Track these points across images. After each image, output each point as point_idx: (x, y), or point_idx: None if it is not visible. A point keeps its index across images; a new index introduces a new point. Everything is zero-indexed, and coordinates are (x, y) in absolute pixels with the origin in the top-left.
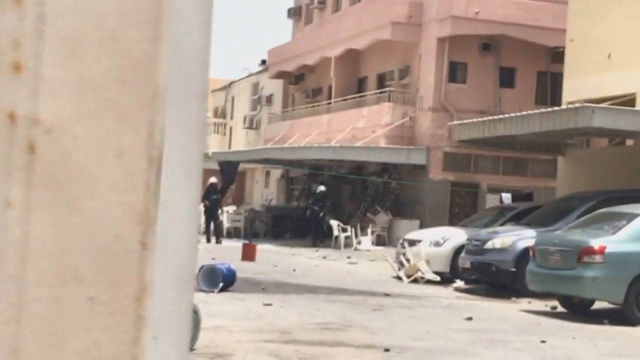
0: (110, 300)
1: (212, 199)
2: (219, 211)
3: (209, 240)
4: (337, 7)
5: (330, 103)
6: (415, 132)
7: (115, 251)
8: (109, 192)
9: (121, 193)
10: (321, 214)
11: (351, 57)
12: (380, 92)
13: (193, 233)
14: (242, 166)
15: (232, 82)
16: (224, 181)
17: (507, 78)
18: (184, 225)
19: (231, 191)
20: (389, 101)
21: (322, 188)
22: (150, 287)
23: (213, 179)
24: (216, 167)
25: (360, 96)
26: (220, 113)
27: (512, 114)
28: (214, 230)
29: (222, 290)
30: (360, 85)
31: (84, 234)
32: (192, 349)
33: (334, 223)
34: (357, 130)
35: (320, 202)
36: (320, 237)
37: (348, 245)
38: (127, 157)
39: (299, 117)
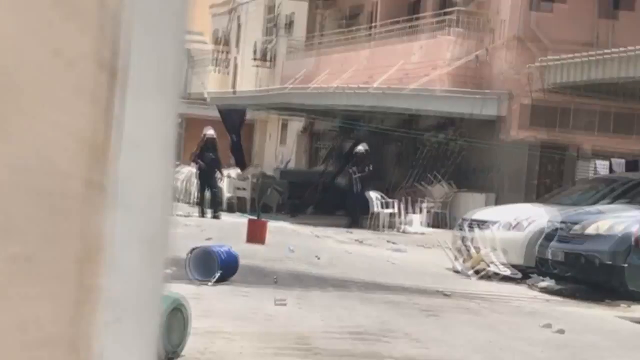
0: (44, 263)
1: (209, 159)
2: (218, 175)
3: (203, 214)
4: None
5: (372, 31)
6: (489, 73)
7: (50, 192)
8: (42, 109)
9: (59, 110)
10: (360, 184)
11: None
12: (442, 17)
13: (168, 183)
14: (249, 115)
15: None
16: (229, 132)
17: None
18: (156, 170)
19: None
20: (453, 28)
21: (362, 147)
22: (104, 248)
23: (210, 131)
24: (215, 114)
25: (413, 22)
26: (222, 41)
27: (632, 48)
28: (210, 201)
29: (220, 281)
30: (414, 7)
31: (8, 166)
32: (178, 356)
33: (373, 195)
34: (408, 69)
35: (359, 167)
36: (356, 214)
37: (392, 225)
38: (67, 58)
39: (329, 50)
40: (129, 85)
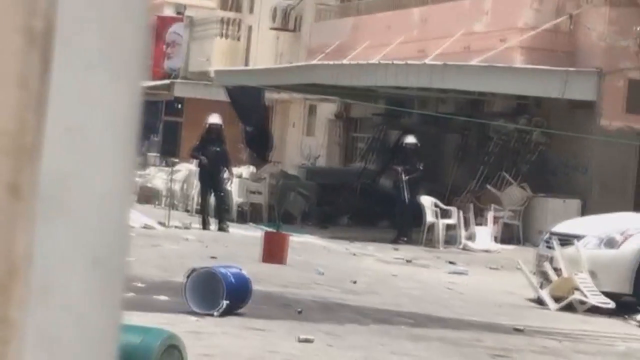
0: None
1: (213, 153)
2: (225, 175)
3: (206, 225)
4: None
5: None
6: (577, 42)
7: None
8: None
9: None
10: (409, 187)
11: None
12: None
13: (125, 184)
14: (266, 96)
15: None
16: (242, 120)
17: None
18: (110, 168)
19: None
20: None
21: (411, 139)
22: (28, 269)
23: (214, 118)
24: (222, 97)
25: None
26: (232, 2)
27: None
28: (215, 208)
29: (227, 312)
30: None
31: None
32: None
33: (426, 201)
34: (472, 37)
35: (408, 165)
36: (405, 226)
37: (451, 240)
38: None
39: (370, 12)
40: (69, 59)
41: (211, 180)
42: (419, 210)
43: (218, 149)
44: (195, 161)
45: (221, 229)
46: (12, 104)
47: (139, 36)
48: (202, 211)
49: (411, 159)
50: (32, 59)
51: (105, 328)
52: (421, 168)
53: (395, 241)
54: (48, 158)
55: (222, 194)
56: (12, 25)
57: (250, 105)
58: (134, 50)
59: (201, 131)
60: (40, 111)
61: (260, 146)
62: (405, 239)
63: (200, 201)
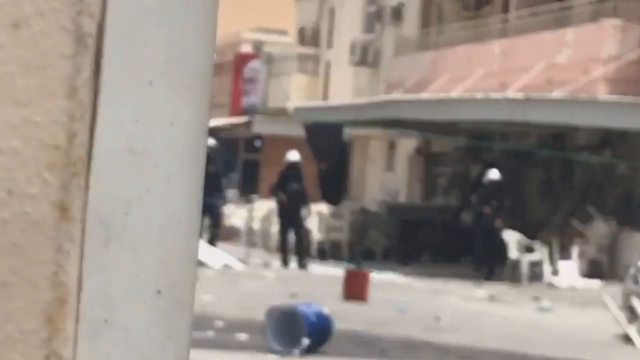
0: None
1: (292, 191)
2: (304, 212)
3: (286, 263)
4: None
5: (506, 20)
6: None
7: (5, 221)
8: None
9: (18, 103)
10: (495, 222)
11: None
12: (600, 0)
13: (192, 211)
14: (345, 132)
15: None
16: (317, 159)
17: None
18: (176, 193)
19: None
20: (614, 16)
21: (494, 175)
22: (79, 299)
23: (293, 155)
24: (300, 133)
25: (561, 8)
26: (310, 37)
27: None
28: (295, 245)
29: (309, 351)
30: None
31: None
32: None
33: (510, 237)
34: (554, 69)
35: (493, 200)
36: (490, 262)
37: (536, 276)
38: (29, 30)
39: (449, 45)
40: (130, 75)
41: (291, 217)
42: (503, 246)
43: (297, 186)
44: (274, 198)
45: (301, 266)
46: (61, 114)
47: (204, 53)
48: (282, 249)
49: (496, 195)
50: (81, 63)
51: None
52: (507, 206)
53: (487, 277)
54: (110, 181)
55: (301, 231)
56: (61, 25)
57: (327, 143)
58: (199, 67)
59: (280, 168)
60: (92, 122)
61: (332, 189)
62: (493, 275)
63: (280, 239)
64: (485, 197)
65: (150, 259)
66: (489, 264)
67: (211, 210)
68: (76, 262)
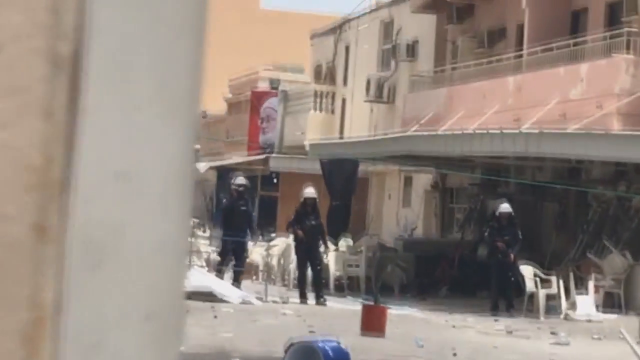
0: None
1: (309, 226)
2: (322, 248)
3: (304, 298)
4: None
5: (520, 55)
6: None
7: None
8: None
9: None
10: (512, 255)
11: None
12: (612, 35)
13: (181, 235)
14: (361, 168)
15: (346, 20)
16: (331, 194)
17: None
18: (165, 217)
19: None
20: (627, 51)
21: (505, 208)
22: (57, 319)
23: (310, 191)
24: (316, 169)
25: (574, 43)
26: (326, 75)
27: None
28: (312, 281)
29: None
30: (575, 24)
31: None
32: None
33: (526, 270)
34: (568, 104)
35: (507, 234)
36: (508, 295)
37: (552, 309)
38: (6, 54)
39: (465, 81)
40: (116, 100)
41: (308, 253)
42: (519, 280)
43: (314, 222)
44: (292, 235)
45: (319, 302)
46: (37, 136)
47: (193, 78)
48: (300, 284)
49: (508, 229)
50: (58, 86)
51: None
52: (520, 237)
53: (494, 309)
54: (98, 206)
55: (319, 267)
56: (34, 48)
57: (341, 179)
58: (188, 93)
59: (297, 204)
60: (69, 144)
61: (337, 223)
62: (512, 308)
63: (298, 274)
64: (498, 230)
65: (141, 284)
66: (507, 297)
67: (239, 249)
68: (55, 283)
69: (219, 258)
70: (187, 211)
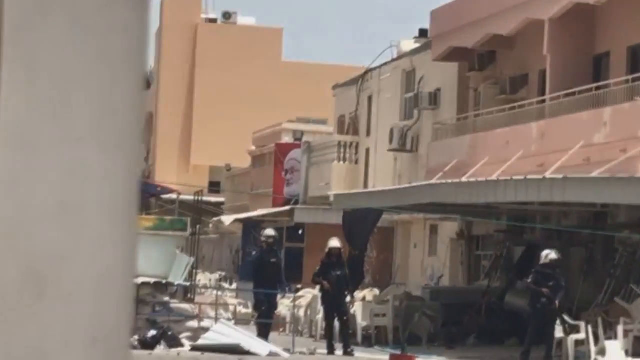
0: None
1: (335, 278)
2: (348, 298)
3: (332, 350)
4: None
5: (543, 102)
6: None
7: None
8: None
9: None
10: (556, 302)
11: (580, 18)
12: (635, 78)
13: (125, 263)
14: (386, 217)
15: (368, 71)
16: (351, 245)
17: None
18: (109, 245)
19: (368, 261)
20: None
21: (552, 255)
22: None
23: (335, 242)
24: (339, 221)
25: (597, 88)
26: (349, 126)
27: None
28: (340, 332)
29: None
30: (597, 68)
31: None
32: None
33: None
34: (592, 148)
35: (551, 281)
36: (548, 344)
37: (581, 356)
38: None
39: (488, 129)
40: (58, 132)
41: (335, 304)
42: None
43: (339, 272)
44: (318, 286)
45: (346, 353)
46: None
47: (133, 112)
48: (328, 336)
49: (552, 276)
50: None
51: None
52: (563, 285)
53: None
54: (41, 235)
55: (345, 317)
56: None
57: (361, 229)
58: (128, 125)
59: (322, 256)
60: None
61: (357, 273)
62: (550, 358)
63: (325, 326)
64: (542, 277)
65: (84, 311)
66: (547, 345)
67: (269, 302)
68: None
69: (253, 311)
70: (132, 240)
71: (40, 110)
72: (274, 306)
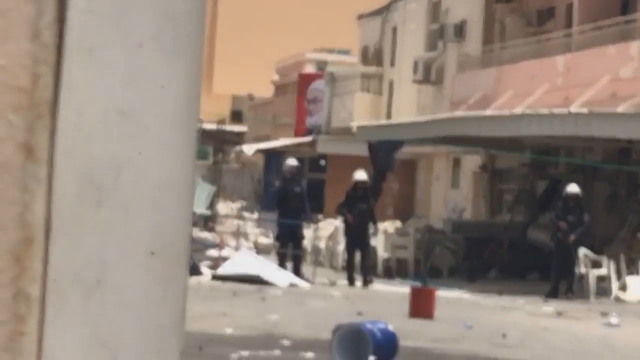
0: None
1: (360, 210)
2: (372, 231)
3: (352, 282)
4: None
5: (569, 35)
6: None
7: None
8: None
9: None
10: (571, 237)
11: None
12: None
13: (184, 174)
14: (409, 150)
15: (393, 1)
16: (375, 172)
17: None
18: (168, 155)
19: (388, 191)
20: None
21: (573, 189)
22: (46, 240)
23: (361, 175)
24: (364, 152)
25: (624, 21)
26: (373, 56)
27: None
28: (360, 264)
29: None
30: (625, 2)
31: None
32: None
33: (577, 252)
34: (619, 83)
35: (572, 216)
36: (568, 279)
37: (603, 291)
38: None
39: (513, 62)
40: (119, 37)
41: (357, 236)
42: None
43: (364, 205)
44: (341, 218)
45: (365, 282)
46: (24, 58)
47: (194, 18)
48: (349, 267)
49: (574, 211)
50: (44, 7)
51: (166, 324)
52: (586, 220)
53: (566, 294)
54: (100, 143)
55: (367, 250)
56: None
57: (385, 161)
58: (189, 32)
59: (346, 187)
60: (56, 65)
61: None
62: (571, 293)
63: (347, 258)
64: (563, 211)
65: (144, 221)
66: (567, 280)
67: (295, 233)
68: (43, 203)
69: (276, 242)
70: (190, 150)
71: (100, 15)
72: (301, 237)
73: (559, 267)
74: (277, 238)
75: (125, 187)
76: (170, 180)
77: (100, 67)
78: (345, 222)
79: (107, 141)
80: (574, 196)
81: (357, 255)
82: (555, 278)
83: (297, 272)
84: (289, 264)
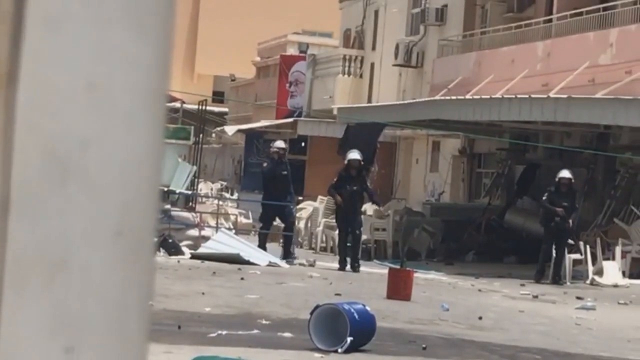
0: None
1: (350, 192)
2: (371, 209)
3: (343, 265)
4: None
5: (549, 21)
6: None
7: None
8: None
9: None
10: (570, 222)
11: None
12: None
13: (153, 151)
14: (389, 132)
15: None
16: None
17: None
18: (137, 132)
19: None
20: None
21: (566, 174)
22: (4, 213)
23: (355, 154)
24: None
25: (604, 8)
26: (355, 39)
27: None
28: (351, 247)
29: (352, 349)
30: None
31: None
32: None
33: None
34: (597, 69)
35: (566, 201)
36: (558, 264)
37: (578, 275)
38: None
39: (493, 47)
40: (87, 12)
41: (347, 219)
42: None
43: (355, 187)
44: (332, 199)
45: (353, 267)
46: None
47: None
48: (341, 250)
49: (567, 195)
50: None
51: (132, 305)
52: (578, 207)
53: (553, 279)
54: (66, 118)
55: (358, 232)
56: None
57: (364, 143)
58: (159, 8)
59: (327, 169)
60: (16, 36)
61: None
62: (559, 278)
63: (338, 241)
64: (556, 196)
65: (110, 200)
66: (557, 266)
67: (284, 214)
68: (0, 180)
69: (259, 222)
70: (159, 127)
71: None
72: (292, 218)
73: (549, 250)
74: (260, 219)
75: (91, 164)
76: (139, 158)
77: (66, 40)
78: (337, 203)
79: (73, 116)
80: (567, 181)
81: (349, 237)
82: (542, 261)
83: (287, 253)
84: (274, 245)
